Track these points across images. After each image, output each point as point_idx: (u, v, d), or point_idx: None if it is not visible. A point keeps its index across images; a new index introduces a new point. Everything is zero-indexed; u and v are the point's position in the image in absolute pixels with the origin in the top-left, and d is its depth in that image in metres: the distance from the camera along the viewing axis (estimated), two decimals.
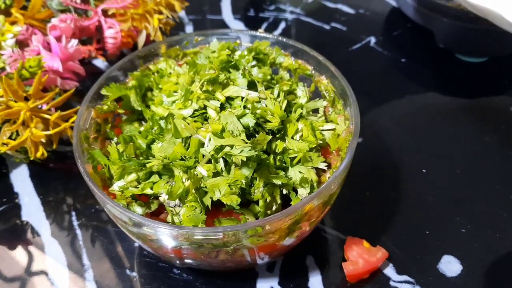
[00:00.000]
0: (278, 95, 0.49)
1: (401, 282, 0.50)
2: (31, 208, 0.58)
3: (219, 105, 0.46)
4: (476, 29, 0.71)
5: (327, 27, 0.85)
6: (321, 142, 0.47)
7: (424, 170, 0.61)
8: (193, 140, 0.42)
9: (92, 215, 0.57)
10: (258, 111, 0.44)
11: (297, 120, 0.47)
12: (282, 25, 0.86)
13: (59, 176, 0.62)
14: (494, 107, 0.71)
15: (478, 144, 0.64)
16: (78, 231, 0.55)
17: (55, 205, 0.58)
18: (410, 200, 0.58)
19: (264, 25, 0.86)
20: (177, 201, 0.42)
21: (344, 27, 0.85)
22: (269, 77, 0.51)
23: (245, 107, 0.44)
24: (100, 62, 0.77)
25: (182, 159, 0.42)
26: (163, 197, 0.42)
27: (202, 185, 0.41)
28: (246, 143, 0.41)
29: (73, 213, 0.57)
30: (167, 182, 0.43)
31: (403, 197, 0.58)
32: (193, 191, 0.40)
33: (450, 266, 0.51)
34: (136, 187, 0.43)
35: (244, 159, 0.40)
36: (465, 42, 0.74)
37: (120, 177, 0.44)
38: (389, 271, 0.51)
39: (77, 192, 0.60)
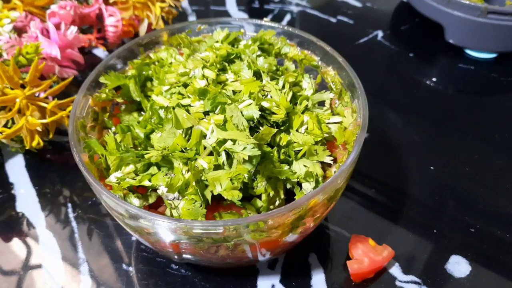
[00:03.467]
0: (283, 87, 0.47)
1: (407, 282, 0.48)
2: (27, 199, 0.56)
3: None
4: (488, 24, 0.69)
5: (333, 20, 0.83)
6: (327, 135, 0.45)
7: (432, 167, 0.59)
8: (194, 131, 0.40)
9: (88, 208, 0.55)
10: (263, 103, 0.43)
11: (303, 113, 0.46)
12: (287, 17, 0.84)
13: (55, 167, 0.60)
14: (503, 104, 0.69)
15: (487, 142, 0.63)
16: (74, 224, 0.54)
17: (51, 197, 0.57)
18: (417, 197, 0.56)
19: (269, 17, 0.84)
20: (176, 194, 0.40)
21: (351, 20, 0.83)
22: (274, 68, 0.49)
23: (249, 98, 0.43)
24: (100, 52, 0.75)
25: (182, 151, 0.40)
26: (162, 190, 0.41)
27: (202, 178, 0.39)
28: (250, 139, 0.39)
29: (69, 205, 0.56)
30: (166, 174, 0.41)
31: (410, 195, 0.56)
32: (194, 183, 0.39)
33: (458, 266, 0.49)
34: (133, 178, 0.41)
35: (247, 158, 0.38)
36: (476, 37, 0.72)
37: (117, 168, 0.42)
38: (395, 270, 0.49)
39: (74, 184, 0.58)
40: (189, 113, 0.42)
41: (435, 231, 0.52)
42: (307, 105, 0.46)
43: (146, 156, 0.41)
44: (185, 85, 0.46)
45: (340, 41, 0.79)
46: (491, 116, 0.67)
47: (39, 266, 0.50)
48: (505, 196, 0.56)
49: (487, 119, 0.66)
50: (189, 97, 0.44)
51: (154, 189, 0.42)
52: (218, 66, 0.47)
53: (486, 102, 0.70)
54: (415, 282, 0.48)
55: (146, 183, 0.40)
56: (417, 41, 0.80)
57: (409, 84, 0.72)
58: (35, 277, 0.49)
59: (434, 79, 0.72)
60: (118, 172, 0.42)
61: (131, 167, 0.42)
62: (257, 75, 0.47)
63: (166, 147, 0.41)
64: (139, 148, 0.44)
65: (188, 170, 0.40)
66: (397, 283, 0.48)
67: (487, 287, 0.48)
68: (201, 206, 0.39)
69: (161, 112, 0.45)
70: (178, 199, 0.40)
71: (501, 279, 0.48)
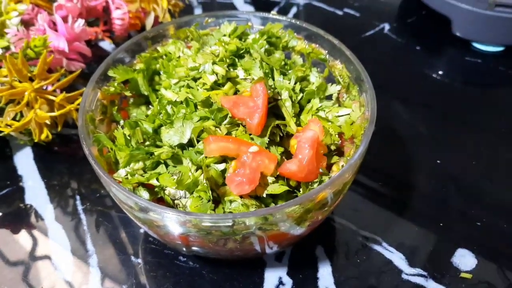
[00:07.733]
0: (291, 81, 0.47)
1: (413, 275, 0.48)
2: (35, 191, 0.57)
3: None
4: (495, 17, 0.69)
5: (339, 12, 0.83)
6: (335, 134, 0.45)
7: (438, 161, 0.59)
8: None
9: (96, 200, 0.56)
10: None
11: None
12: (294, 10, 0.84)
13: (63, 159, 0.61)
14: (511, 97, 0.69)
15: (494, 135, 0.63)
16: (83, 216, 0.54)
17: (59, 189, 0.57)
18: (424, 190, 0.56)
19: (275, 10, 0.84)
20: (182, 193, 0.40)
21: (357, 13, 0.83)
22: (282, 63, 0.49)
23: None
24: (107, 45, 0.75)
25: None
26: (168, 191, 0.41)
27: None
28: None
29: (78, 197, 0.56)
30: (172, 176, 0.41)
31: (417, 188, 0.56)
32: (205, 181, 0.39)
33: (465, 260, 0.49)
34: (142, 175, 0.41)
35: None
36: (483, 30, 0.72)
37: (127, 164, 0.42)
38: (401, 263, 0.49)
39: (82, 176, 0.58)
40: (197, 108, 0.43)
41: (441, 224, 0.52)
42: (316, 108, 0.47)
43: (156, 153, 0.41)
44: (195, 79, 0.46)
45: (346, 34, 0.78)
46: (498, 109, 0.66)
47: (47, 258, 0.51)
48: (511, 189, 0.56)
49: (494, 112, 0.66)
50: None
51: (162, 188, 0.42)
52: (227, 61, 0.47)
53: (493, 95, 0.69)
54: (421, 275, 0.48)
55: (154, 182, 0.41)
56: (424, 34, 0.79)
57: (416, 77, 0.72)
58: (43, 269, 0.50)
59: (441, 72, 0.72)
60: (127, 167, 0.42)
61: (140, 164, 0.42)
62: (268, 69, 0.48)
63: (174, 145, 0.41)
64: (147, 143, 0.44)
65: (197, 169, 0.40)
66: (403, 275, 0.48)
67: (493, 280, 0.48)
68: (208, 201, 0.39)
69: (169, 108, 0.45)
70: (185, 197, 0.40)
71: (507, 272, 0.48)
